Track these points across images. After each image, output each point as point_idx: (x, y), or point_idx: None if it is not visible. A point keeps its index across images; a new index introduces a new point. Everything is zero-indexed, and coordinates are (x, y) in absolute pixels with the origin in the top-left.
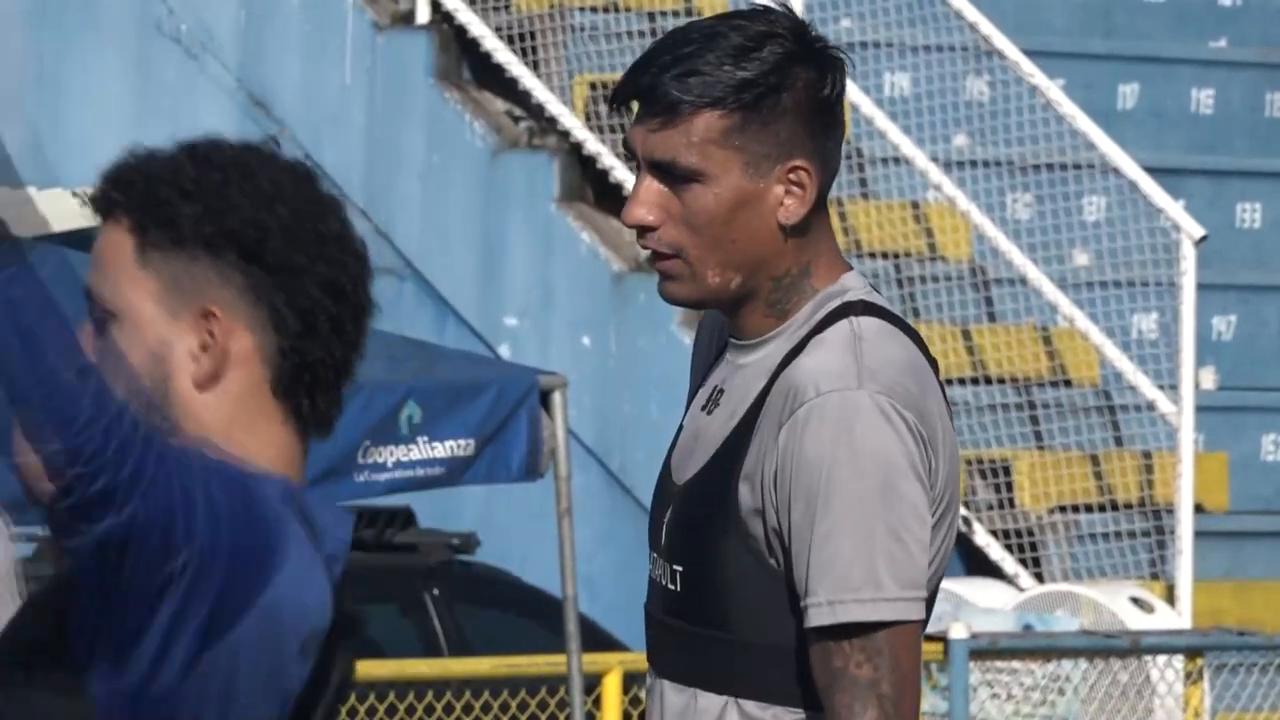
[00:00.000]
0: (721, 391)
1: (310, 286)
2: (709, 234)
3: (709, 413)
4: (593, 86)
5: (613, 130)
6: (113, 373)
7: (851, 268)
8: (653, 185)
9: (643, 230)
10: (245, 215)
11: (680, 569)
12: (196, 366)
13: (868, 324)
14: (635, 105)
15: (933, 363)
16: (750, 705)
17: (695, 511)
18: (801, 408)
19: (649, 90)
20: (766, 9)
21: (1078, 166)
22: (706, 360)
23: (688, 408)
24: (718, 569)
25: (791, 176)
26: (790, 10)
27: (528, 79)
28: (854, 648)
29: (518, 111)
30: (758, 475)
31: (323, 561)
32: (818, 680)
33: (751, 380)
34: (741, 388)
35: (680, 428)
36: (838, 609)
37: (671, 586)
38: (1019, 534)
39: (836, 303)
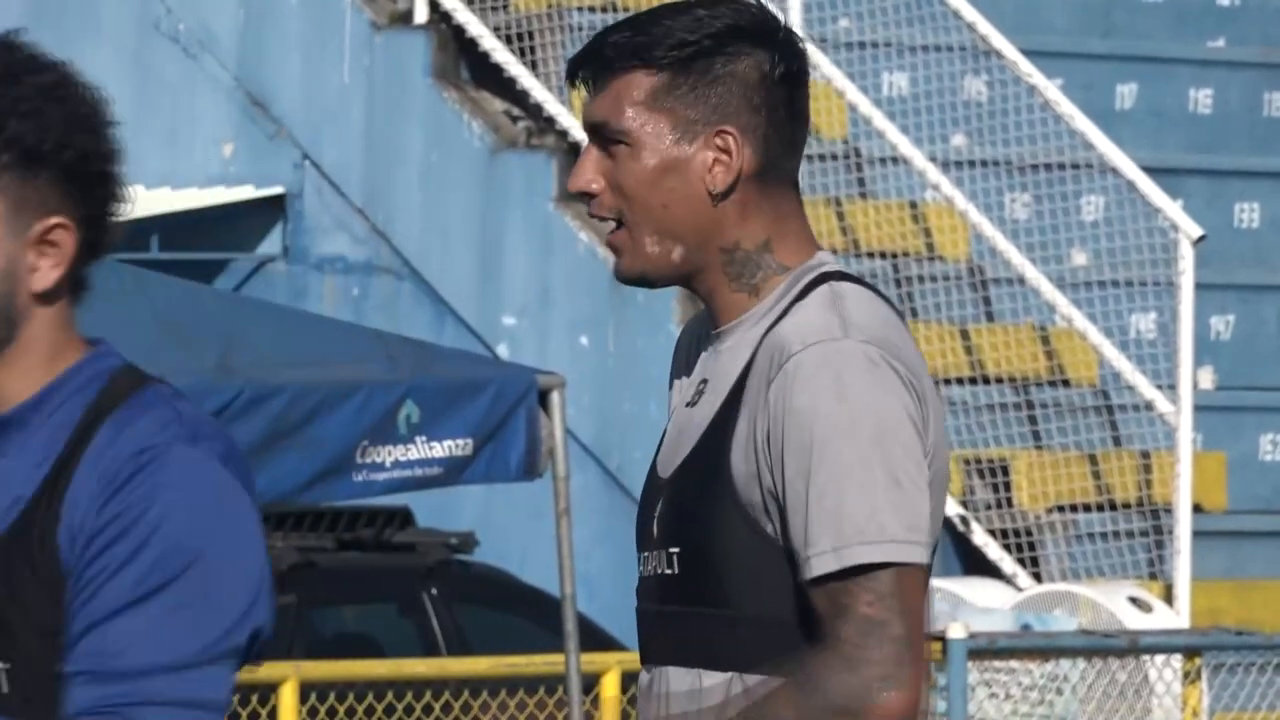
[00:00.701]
0: (706, 381)
1: (107, 166)
2: (639, 199)
3: (693, 405)
4: None
5: None
6: None
7: (823, 248)
8: (593, 151)
9: (588, 198)
10: (69, 123)
11: (677, 550)
12: (41, 277)
13: (847, 286)
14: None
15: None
16: (754, 680)
17: (689, 491)
18: (789, 361)
19: (592, 54)
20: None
21: (1076, 166)
22: (685, 372)
23: (669, 415)
24: (715, 542)
25: (718, 142)
26: (773, 6)
27: (526, 79)
28: (860, 589)
29: (516, 111)
30: (750, 439)
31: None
32: (823, 616)
33: (736, 359)
34: (726, 368)
35: (664, 433)
36: (843, 554)
37: (668, 571)
38: (1017, 534)
39: (813, 274)
